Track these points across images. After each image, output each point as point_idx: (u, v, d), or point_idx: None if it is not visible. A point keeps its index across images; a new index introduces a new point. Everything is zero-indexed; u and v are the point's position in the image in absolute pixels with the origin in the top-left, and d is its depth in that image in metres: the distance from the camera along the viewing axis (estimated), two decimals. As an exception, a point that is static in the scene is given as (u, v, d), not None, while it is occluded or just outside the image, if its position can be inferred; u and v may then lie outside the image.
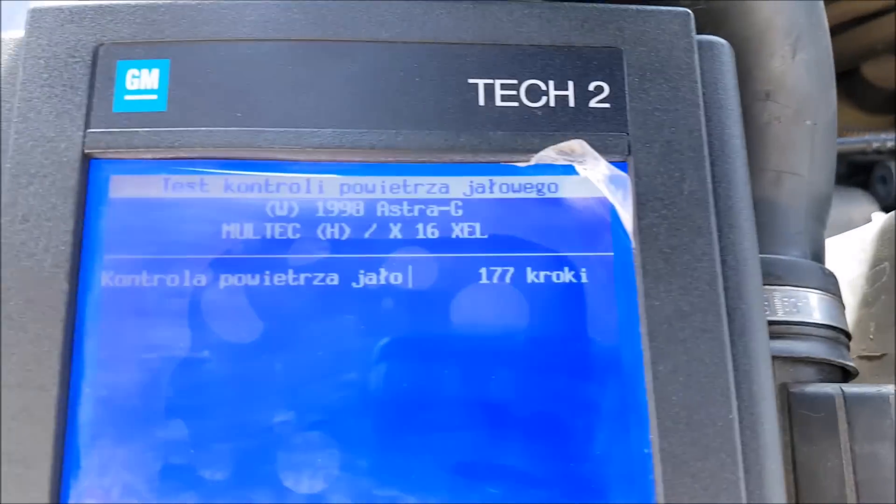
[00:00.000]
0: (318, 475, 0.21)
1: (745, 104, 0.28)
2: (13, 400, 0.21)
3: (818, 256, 0.33)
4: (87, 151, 0.23)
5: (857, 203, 0.54)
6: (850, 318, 0.37)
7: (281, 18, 0.24)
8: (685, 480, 0.21)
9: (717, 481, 0.21)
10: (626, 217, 0.22)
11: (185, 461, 0.21)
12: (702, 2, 0.31)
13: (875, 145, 0.55)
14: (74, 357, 0.22)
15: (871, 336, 0.37)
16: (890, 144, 0.60)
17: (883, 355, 0.36)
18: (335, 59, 0.24)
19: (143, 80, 0.23)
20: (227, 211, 0.23)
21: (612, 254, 0.23)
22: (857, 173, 0.65)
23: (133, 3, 0.24)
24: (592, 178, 0.22)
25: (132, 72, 0.23)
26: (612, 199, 0.22)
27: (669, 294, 0.22)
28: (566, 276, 0.22)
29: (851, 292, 0.38)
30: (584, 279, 0.22)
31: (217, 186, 0.23)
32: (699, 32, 0.24)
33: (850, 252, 0.40)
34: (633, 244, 0.22)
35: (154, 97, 0.23)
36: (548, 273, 0.23)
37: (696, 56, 0.24)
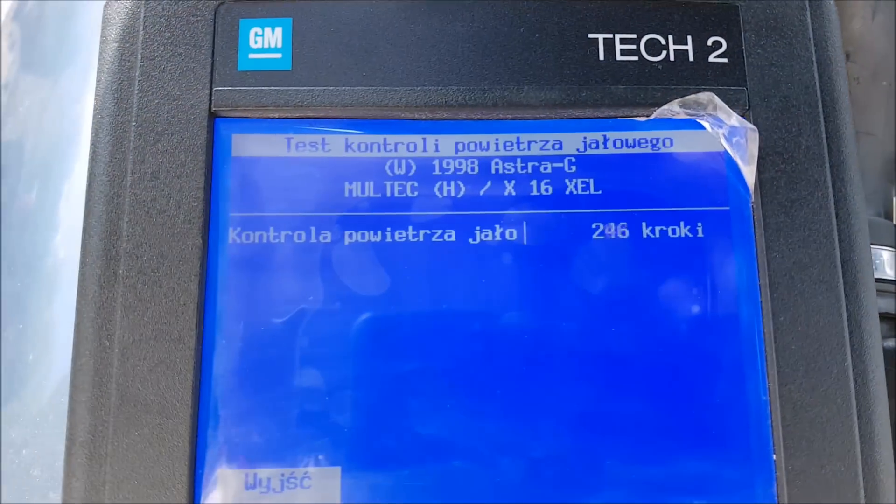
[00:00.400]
0: (447, 421, 0.22)
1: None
2: (150, 352, 0.22)
3: (889, 215, 0.34)
4: (213, 109, 0.23)
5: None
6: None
7: None
8: (803, 426, 0.22)
9: (833, 426, 0.22)
10: (748, 170, 0.23)
11: (319, 408, 0.22)
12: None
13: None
14: (207, 309, 0.22)
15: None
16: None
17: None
18: (456, 16, 0.24)
19: (266, 39, 0.23)
20: (348, 170, 0.23)
21: (728, 208, 0.23)
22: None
23: None
24: (713, 131, 0.23)
25: (255, 30, 0.23)
26: (732, 153, 0.23)
27: (790, 247, 0.23)
28: (682, 230, 0.23)
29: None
30: (700, 234, 0.23)
31: (338, 146, 0.23)
32: None
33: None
34: (753, 198, 0.23)
35: (278, 56, 0.23)
36: (663, 228, 0.23)
37: (808, 14, 0.24)
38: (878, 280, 0.31)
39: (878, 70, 0.32)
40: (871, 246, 0.32)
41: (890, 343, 0.33)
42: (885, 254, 0.32)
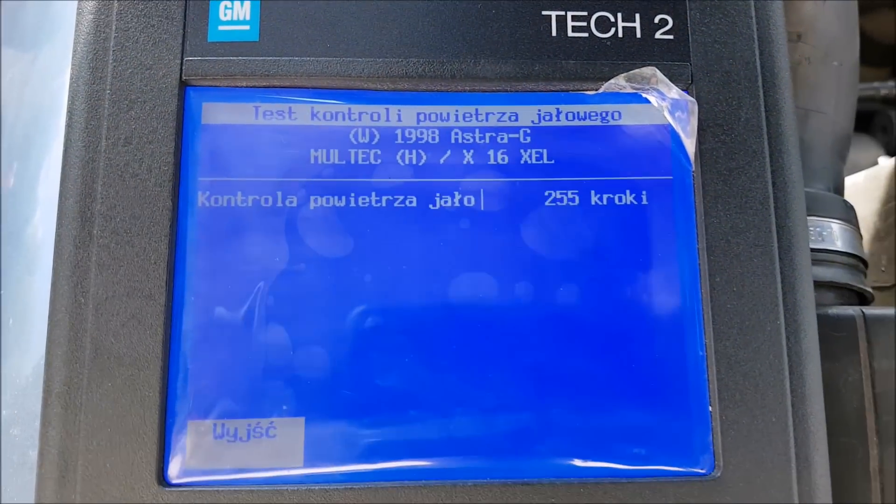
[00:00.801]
0: (405, 374, 0.23)
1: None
2: (123, 308, 0.23)
3: (839, 190, 0.35)
4: (184, 78, 0.24)
5: (864, 148, 0.56)
6: (863, 251, 0.39)
7: None
8: (737, 379, 0.23)
9: (765, 380, 0.23)
10: (689, 142, 0.24)
11: (284, 363, 0.23)
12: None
13: (883, 92, 0.57)
14: (177, 268, 0.23)
15: (883, 268, 0.40)
16: (897, 92, 0.61)
17: (894, 285, 0.39)
18: None
19: (235, 12, 0.24)
20: (313, 138, 0.24)
21: (672, 177, 0.24)
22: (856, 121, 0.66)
23: None
24: (658, 104, 0.24)
25: (225, 3, 0.25)
26: (675, 125, 0.24)
27: (727, 213, 0.24)
28: (628, 198, 0.24)
29: (864, 228, 0.41)
30: (644, 201, 0.24)
31: (304, 115, 0.25)
32: None
33: (861, 191, 0.42)
34: (694, 167, 0.24)
35: (247, 28, 0.24)
36: (610, 196, 0.24)
37: None
38: (826, 251, 0.32)
39: (828, 51, 0.33)
40: (821, 219, 0.33)
41: (849, 311, 0.34)
42: (834, 226, 0.33)
